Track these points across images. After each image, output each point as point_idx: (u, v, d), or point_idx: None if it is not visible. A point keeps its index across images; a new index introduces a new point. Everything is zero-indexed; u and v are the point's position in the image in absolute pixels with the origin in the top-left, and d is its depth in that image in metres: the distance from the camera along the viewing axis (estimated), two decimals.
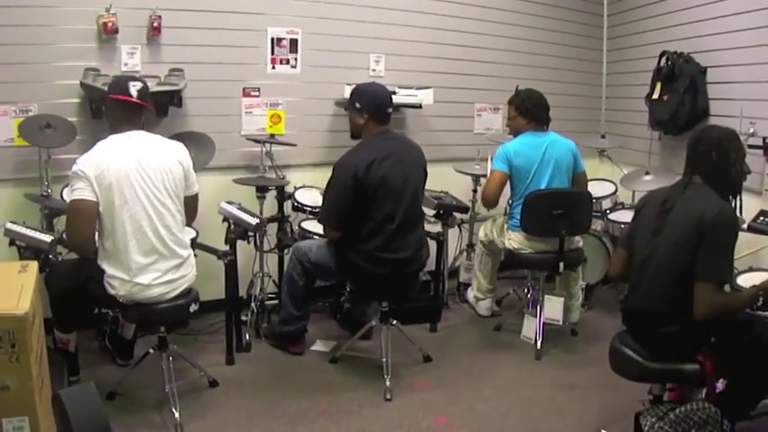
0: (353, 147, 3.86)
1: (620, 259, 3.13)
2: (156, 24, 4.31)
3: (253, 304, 4.44)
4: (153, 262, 3.15)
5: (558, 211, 4.19)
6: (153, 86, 3.86)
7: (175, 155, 3.30)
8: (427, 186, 4.10)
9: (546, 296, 4.40)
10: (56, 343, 3.42)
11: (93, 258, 3.20)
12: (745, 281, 3.48)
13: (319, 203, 4.45)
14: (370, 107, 3.82)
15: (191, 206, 3.45)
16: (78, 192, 3.05)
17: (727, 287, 2.87)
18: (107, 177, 3.04)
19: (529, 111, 4.47)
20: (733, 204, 2.94)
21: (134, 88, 3.21)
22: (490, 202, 4.53)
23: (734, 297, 2.69)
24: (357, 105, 3.84)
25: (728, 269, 2.70)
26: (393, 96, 4.01)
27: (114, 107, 3.25)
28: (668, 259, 2.76)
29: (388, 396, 3.68)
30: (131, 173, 3.08)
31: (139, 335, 3.98)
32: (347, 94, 4.91)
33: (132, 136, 3.20)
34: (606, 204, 5.32)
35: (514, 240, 4.40)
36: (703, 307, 2.65)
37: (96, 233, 3.17)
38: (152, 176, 3.14)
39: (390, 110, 3.85)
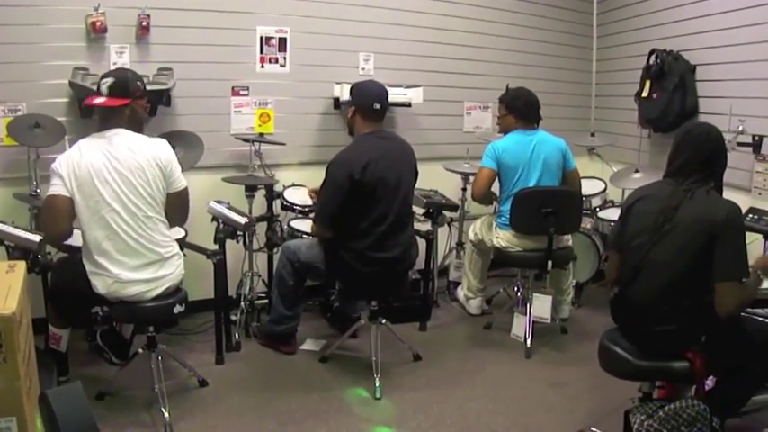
0: (347, 146, 3.87)
1: (616, 262, 3.10)
2: (144, 23, 4.30)
3: (242, 304, 4.44)
4: (129, 261, 3.12)
5: (547, 209, 4.19)
6: None
7: (151, 154, 3.18)
8: (417, 185, 4.10)
9: (534, 294, 4.40)
10: (47, 341, 3.40)
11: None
12: None
13: (308, 203, 4.47)
14: (356, 100, 3.86)
15: (178, 202, 3.33)
16: (53, 188, 3.06)
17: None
18: (79, 176, 3.03)
19: (518, 110, 4.48)
20: None
21: (104, 86, 3.17)
22: (479, 199, 4.55)
23: (748, 287, 2.72)
24: (348, 99, 3.91)
25: (746, 264, 2.71)
26: None
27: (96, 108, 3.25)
28: (670, 260, 2.75)
29: (378, 395, 3.69)
30: (102, 172, 3.05)
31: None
32: (336, 93, 4.95)
33: (108, 135, 3.15)
34: (596, 202, 5.33)
35: (502, 239, 4.41)
36: (730, 305, 2.66)
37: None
38: (123, 176, 3.09)
39: (378, 106, 3.82)
